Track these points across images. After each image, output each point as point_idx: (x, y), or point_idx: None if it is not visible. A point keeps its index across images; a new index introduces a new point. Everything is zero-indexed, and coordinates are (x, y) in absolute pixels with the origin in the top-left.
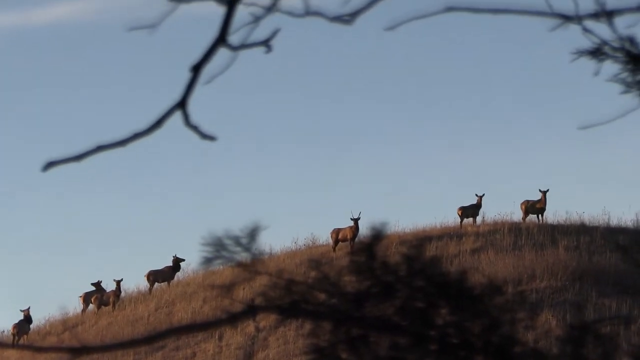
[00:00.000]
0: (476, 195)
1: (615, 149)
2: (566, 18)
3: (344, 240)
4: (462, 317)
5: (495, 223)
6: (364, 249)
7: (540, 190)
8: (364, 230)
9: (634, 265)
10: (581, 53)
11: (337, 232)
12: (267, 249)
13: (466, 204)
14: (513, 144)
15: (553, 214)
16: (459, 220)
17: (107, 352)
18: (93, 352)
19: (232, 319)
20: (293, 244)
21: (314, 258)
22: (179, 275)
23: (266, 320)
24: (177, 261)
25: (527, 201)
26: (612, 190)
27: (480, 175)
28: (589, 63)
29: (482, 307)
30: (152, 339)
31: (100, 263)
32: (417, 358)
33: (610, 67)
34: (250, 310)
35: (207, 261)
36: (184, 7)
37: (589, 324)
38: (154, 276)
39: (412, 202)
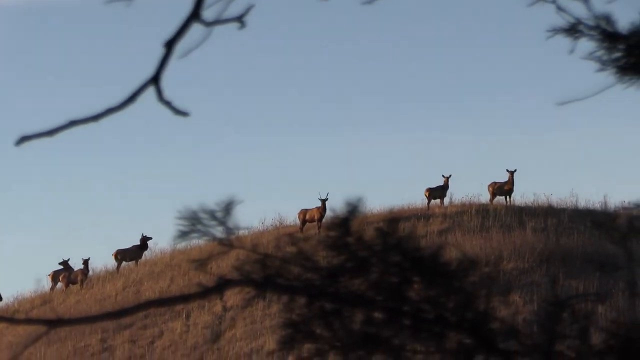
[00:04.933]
0: (443, 176)
1: (582, 130)
2: None
3: (312, 220)
4: (437, 293)
5: (463, 204)
6: (339, 224)
7: (507, 171)
8: (331, 210)
9: (610, 242)
10: (556, 31)
11: (304, 212)
12: (239, 226)
13: (433, 186)
14: (481, 125)
15: (521, 195)
16: (426, 201)
17: (82, 325)
18: (68, 325)
19: (205, 293)
20: (260, 224)
21: (290, 234)
22: (146, 254)
23: (233, 299)
24: (144, 240)
25: (495, 183)
26: (580, 172)
27: (447, 156)
28: (564, 41)
29: (456, 283)
30: (127, 311)
31: (68, 242)
32: (391, 333)
33: (586, 45)
34: (223, 285)
35: (183, 235)
36: None
37: (564, 300)
38: (122, 255)
39: (379, 183)
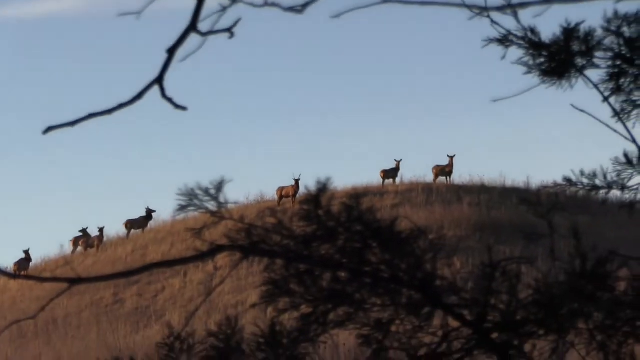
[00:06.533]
0: (395, 160)
1: (510, 122)
2: (480, 9)
3: (287, 196)
4: (392, 256)
5: (412, 183)
6: (311, 199)
7: (448, 156)
8: (304, 188)
9: (534, 216)
10: (491, 40)
11: (281, 189)
12: (228, 200)
13: (387, 168)
14: (427, 118)
15: (459, 176)
16: (381, 181)
17: (98, 282)
18: (86, 283)
19: (200, 256)
20: (245, 199)
21: (270, 207)
22: (151, 223)
23: (223, 261)
24: (149, 212)
25: (438, 166)
26: (508, 156)
27: (399, 143)
28: (497, 49)
29: (408, 248)
30: (135, 271)
31: (87, 213)
32: (354, 289)
33: (515, 52)
34: (216, 250)
35: (182, 208)
36: None
37: (497, 262)
38: (131, 224)
39: (343, 164)
